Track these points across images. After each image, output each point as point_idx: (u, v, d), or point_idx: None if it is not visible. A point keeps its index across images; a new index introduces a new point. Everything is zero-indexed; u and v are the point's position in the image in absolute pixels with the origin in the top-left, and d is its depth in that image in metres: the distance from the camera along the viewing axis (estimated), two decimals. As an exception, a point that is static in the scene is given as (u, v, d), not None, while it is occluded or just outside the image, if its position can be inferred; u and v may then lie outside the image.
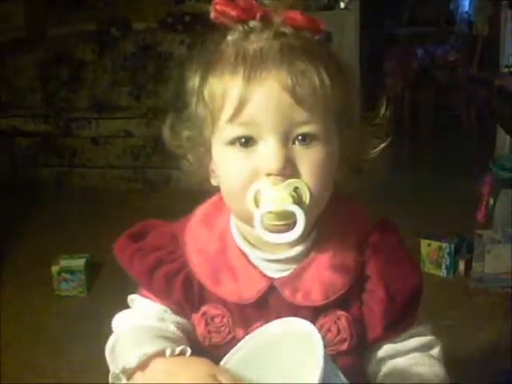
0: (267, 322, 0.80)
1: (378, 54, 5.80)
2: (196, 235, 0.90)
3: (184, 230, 0.90)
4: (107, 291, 2.77)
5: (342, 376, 0.70)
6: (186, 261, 0.88)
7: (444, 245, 2.82)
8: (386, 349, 0.87)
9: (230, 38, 0.80)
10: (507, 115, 3.24)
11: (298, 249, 0.84)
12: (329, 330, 0.83)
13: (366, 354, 0.88)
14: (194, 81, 0.83)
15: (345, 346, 0.84)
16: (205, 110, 0.81)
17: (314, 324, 0.80)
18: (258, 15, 0.79)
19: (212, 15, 0.81)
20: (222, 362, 0.77)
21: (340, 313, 0.84)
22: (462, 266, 2.82)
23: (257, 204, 0.77)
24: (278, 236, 0.76)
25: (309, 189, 0.77)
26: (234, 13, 0.79)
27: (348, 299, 0.84)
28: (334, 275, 0.83)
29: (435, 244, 2.83)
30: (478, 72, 5.06)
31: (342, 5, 4.85)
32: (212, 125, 0.80)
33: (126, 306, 0.96)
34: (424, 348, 0.87)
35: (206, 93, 0.80)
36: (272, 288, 0.84)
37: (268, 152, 0.76)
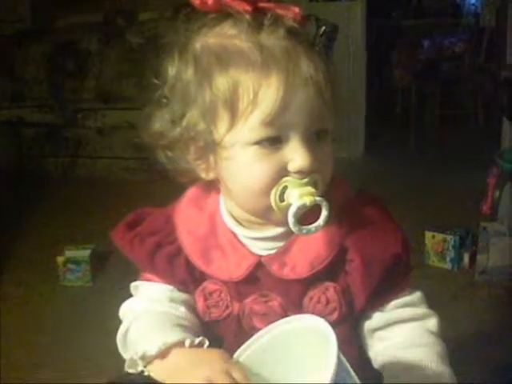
0: (260, 295, 0.86)
1: (385, 46, 5.78)
2: (186, 216, 0.92)
3: (174, 211, 0.93)
4: (112, 282, 2.78)
5: (353, 374, 0.71)
6: (182, 242, 0.90)
7: (449, 237, 2.82)
8: (377, 318, 0.88)
9: (235, 30, 0.79)
10: (513, 107, 3.23)
11: (283, 228, 0.86)
12: (318, 301, 0.86)
13: (359, 325, 0.89)
14: (184, 70, 0.81)
15: (335, 316, 0.86)
16: (222, 109, 0.79)
17: (304, 296, 0.86)
18: (269, 13, 0.79)
19: (210, 2, 0.80)
20: (235, 356, 0.79)
21: (328, 284, 0.86)
22: (466, 258, 2.81)
23: (281, 198, 0.79)
24: (308, 227, 0.79)
25: (323, 179, 0.81)
26: (245, 7, 0.79)
27: (334, 270, 0.86)
28: (317, 247, 0.85)
29: (440, 236, 2.83)
30: (485, 63, 5.04)
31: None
32: (231, 123, 0.78)
33: (131, 296, 0.97)
34: (418, 318, 0.88)
35: (221, 88, 0.78)
36: (260, 265, 0.87)
37: (297, 151, 0.78)
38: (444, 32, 6.06)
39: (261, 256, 0.87)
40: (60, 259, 2.83)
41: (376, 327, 0.89)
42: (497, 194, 3.09)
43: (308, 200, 0.77)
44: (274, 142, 0.78)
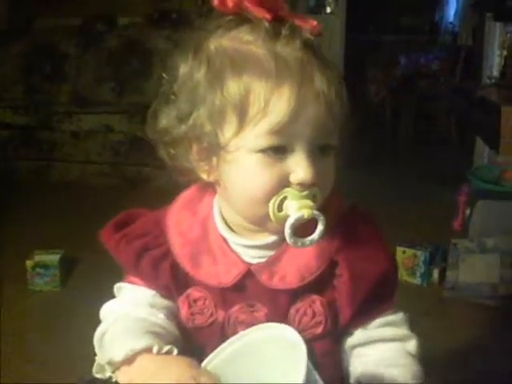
0: (246, 304, 0.86)
1: (362, 60, 5.83)
2: (179, 219, 0.91)
3: (167, 214, 0.92)
4: (81, 287, 2.76)
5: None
6: (169, 245, 0.90)
7: (419, 253, 2.84)
8: (359, 335, 0.88)
9: (252, 36, 0.79)
10: (487, 126, 3.27)
11: (275, 237, 0.86)
12: (304, 314, 0.86)
13: (341, 340, 0.89)
14: (196, 69, 0.81)
15: (320, 329, 0.86)
16: (231, 113, 0.78)
17: (291, 308, 0.85)
18: (287, 23, 0.79)
19: (231, 5, 0.79)
20: (203, 363, 0.79)
21: (315, 297, 0.86)
22: (436, 274, 2.84)
23: (279, 208, 0.79)
24: (304, 240, 0.79)
25: (322, 193, 0.81)
26: (265, 15, 0.78)
27: (322, 283, 0.86)
28: (308, 259, 0.85)
29: (410, 252, 2.85)
30: (461, 82, 5.11)
31: (329, 9, 4.87)
32: (238, 128, 0.78)
33: (100, 302, 0.96)
34: (399, 339, 0.88)
35: (231, 92, 0.78)
36: (249, 273, 0.86)
37: (300, 164, 0.78)
38: (421, 49, 6.13)
39: (250, 264, 0.87)
40: (29, 263, 2.80)
41: (357, 343, 0.89)
42: (468, 211, 3.13)
43: (306, 213, 0.77)
44: (278, 151, 0.78)
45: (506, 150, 3.06)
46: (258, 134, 0.77)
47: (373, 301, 0.86)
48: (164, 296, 0.91)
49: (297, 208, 0.78)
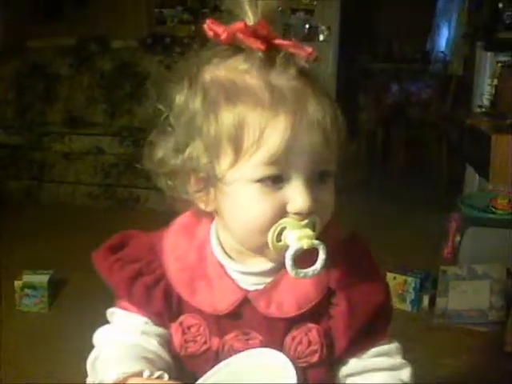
0: (242, 332, 0.85)
1: (354, 88, 5.87)
2: (175, 244, 0.90)
3: (163, 238, 0.91)
4: (69, 308, 2.74)
5: None
6: (164, 271, 0.88)
7: (409, 279, 2.84)
8: (353, 365, 0.88)
9: (247, 66, 0.78)
10: (477, 155, 3.30)
11: (272, 265, 0.85)
12: (300, 342, 0.85)
13: (335, 369, 0.89)
14: (192, 100, 0.80)
15: (315, 358, 0.85)
16: (226, 144, 0.77)
17: (286, 336, 0.84)
18: (282, 51, 0.78)
19: (224, 36, 0.79)
20: None
21: (311, 325, 0.85)
22: (426, 300, 2.84)
23: (278, 238, 0.79)
24: (305, 271, 0.78)
25: (321, 221, 0.81)
26: (259, 45, 0.77)
27: (319, 312, 0.86)
28: (306, 287, 0.84)
29: (401, 278, 2.85)
30: (451, 111, 5.14)
31: (322, 37, 4.92)
32: (234, 160, 0.77)
33: (88, 324, 0.95)
34: (393, 368, 0.88)
35: (226, 123, 0.77)
36: (246, 300, 0.85)
37: (297, 193, 0.77)
38: (412, 78, 6.18)
39: (247, 291, 0.86)
40: (17, 283, 2.78)
41: (351, 373, 0.88)
42: (458, 238, 3.14)
43: (305, 243, 0.77)
44: (275, 180, 0.77)
45: (495, 178, 3.08)
46: (253, 164, 0.76)
47: (368, 331, 0.86)
48: (156, 323, 0.90)
49: (296, 238, 0.77)
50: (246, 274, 0.86)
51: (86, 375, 0.86)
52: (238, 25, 0.78)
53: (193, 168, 0.81)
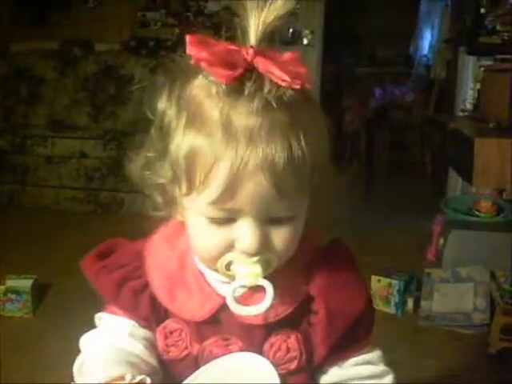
0: (221, 338, 0.85)
1: (337, 91, 5.89)
2: (157, 252, 0.91)
3: (146, 246, 0.92)
4: (53, 313, 2.71)
5: None
6: (149, 278, 0.89)
7: (394, 282, 2.85)
8: (334, 374, 0.87)
9: (213, 91, 0.75)
10: (460, 158, 3.31)
11: None
12: (279, 349, 0.85)
13: (316, 377, 0.89)
14: (167, 116, 0.79)
15: (294, 365, 0.85)
16: (181, 172, 0.76)
17: (265, 342, 0.85)
18: (251, 80, 0.73)
19: (193, 61, 0.75)
20: None
21: (290, 332, 0.85)
22: (410, 303, 2.84)
23: (227, 268, 0.79)
24: (248, 309, 0.78)
25: (278, 257, 0.79)
26: (221, 78, 0.73)
27: (298, 319, 0.86)
28: (283, 295, 0.83)
29: (385, 281, 2.86)
30: (434, 114, 5.18)
31: (305, 41, 4.93)
32: (188, 191, 0.76)
33: (71, 329, 0.95)
34: (376, 376, 0.88)
35: (181, 150, 0.76)
36: (225, 307, 0.84)
37: (245, 233, 0.76)
38: (395, 81, 6.22)
39: (225, 298, 0.84)
40: (1, 288, 2.75)
41: (333, 382, 0.88)
42: (441, 241, 3.15)
43: (248, 282, 0.77)
44: (224, 221, 0.77)
45: (478, 182, 3.10)
46: (202, 201, 0.75)
47: (348, 340, 0.86)
48: (144, 326, 0.91)
49: (240, 275, 0.78)
50: (225, 282, 0.85)
51: (69, 380, 0.86)
52: (203, 52, 0.74)
53: (159, 184, 0.82)
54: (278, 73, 0.72)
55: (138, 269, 0.90)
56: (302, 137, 0.74)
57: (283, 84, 0.72)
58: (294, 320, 0.85)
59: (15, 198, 4.41)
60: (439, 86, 5.30)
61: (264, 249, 0.77)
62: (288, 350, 0.85)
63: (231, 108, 0.73)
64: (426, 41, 6.56)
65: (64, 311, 2.66)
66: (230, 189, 0.73)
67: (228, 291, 0.78)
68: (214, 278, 0.86)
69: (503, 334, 2.44)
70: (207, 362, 0.85)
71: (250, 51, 0.74)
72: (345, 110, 5.77)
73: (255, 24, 0.75)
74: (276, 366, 0.83)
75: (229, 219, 0.76)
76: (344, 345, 0.85)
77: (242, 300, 0.80)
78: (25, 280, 2.82)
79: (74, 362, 0.91)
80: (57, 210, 4.27)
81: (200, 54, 0.74)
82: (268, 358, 0.84)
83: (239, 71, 0.73)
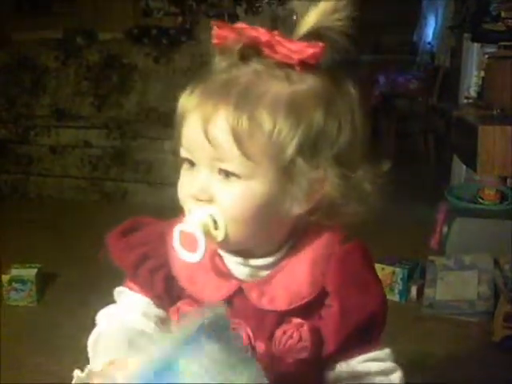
0: (232, 322, 0.84)
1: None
2: None
3: (170, 227, 0.92)
4: (58, 302, 2.73)
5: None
6: (168, 258, 0.91)
7: (397, 270, 2.85)
8: (342, 369, 0.88)
9: (223, 64, 0.83)
10: (464, 146, 3.31)
11: (269, 259, 0.87)
12: (291, 337, 0.86)
13: (325, 371, 0.89)
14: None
15: (305, 354, 0.86)
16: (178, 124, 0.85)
17: (277, 329, 0.86)
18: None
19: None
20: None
21: (303, 322, 0.86)
22: (414, 291, 2.85)
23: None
24: (186, 254, 0.82)
25: (226, 218, 0.81)
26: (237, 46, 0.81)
27: (312, 310, 0.86)
28: (300, 285, 0.85)
29: (389, 269, 2.86)
30: (438, 102, 5.16)
31: (334, 39, 4.91)
32: (177, 138, 0.85)
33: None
34: (383, 373, 0.88)
35: (180, 102, 0.85)
36: (240, 290, 0.87)
37: (195, 176, 0.83)
38: (399, 69, 6.19)
39: (242, 282, 0.87)
40: (5, 277, 2.77)
41: (342, 377, 0.88)
42: (445, 229, 3.15)
43: (184, 227, 0.81)
44: (190, 163, 0.84)
45: (482, 169, 3.09)
46: (181, 145, 0.84)
47: (358, 339, 0.86)
48: (158, 305, 0.93)
49: (185, 220, 0.83)
50: (243, 265, 0.88)
51: (72, 369, 0.87)
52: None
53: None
54: (291, 44, 0.81)
55: (159, 248, 0.92)
56: (272, 114, 0.79)
57: (277, 57, 0.80)
58: (307, 311, 0.86)
59: (19, 188, 4.42)
60: (443, 73, 5.28)
61: (205, 197, 0.81)
62: (300, 338, 0.85)
63: (222, 71, 0.82)
64: (430, 28, 6.52)
65: (68, 300, 2.67)
66: (193, 133, 0.81)
67: (174, 233, 0.82)
68: (233, 261, 0.88)
69: (507, 321, 2.44)
70: None
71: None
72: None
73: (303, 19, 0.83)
74: (286, 353, 0.85)
75: (192, 164, 0.83)
76: (354, 343, 0.86)
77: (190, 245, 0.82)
78: (29, 269, 2.84)
79: (77, 349, 0.94)
80: (61, 200, 4.28)
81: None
82: (279, 345, 0.85)
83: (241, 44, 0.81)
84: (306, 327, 0.86)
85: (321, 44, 0.82)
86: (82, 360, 0.88)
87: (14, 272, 2.80)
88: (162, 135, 3.88)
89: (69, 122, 4.39)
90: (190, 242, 0.81)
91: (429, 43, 6.52)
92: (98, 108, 4.51)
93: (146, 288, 0.93)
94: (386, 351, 0.90)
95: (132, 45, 4.59)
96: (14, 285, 2.77)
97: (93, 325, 0.95)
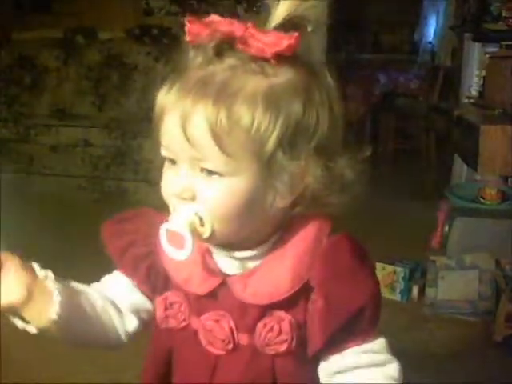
0: (215, 313, 0.88)
1: (341, 78, 5.87)
2: None
3: (163, 218, 0.92)
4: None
5: None
6: (156, 247, 0.90)
7: (399, 269, 2.85)
8: (333, 362, 0.87)
9: (199, 59, 0.81)
10: (465, 145, 3.30)
11: (254, 252, 0.87)
12: (271, 330, 0.86)
13: (318, 366, 0.88)
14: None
15: (284, 347, 0.86)
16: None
17: (259, 321, 0.86)
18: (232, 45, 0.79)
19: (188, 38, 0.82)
20: None
21: (285, 315, 0.86)
22: (415, 290, 2.85)
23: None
24: (173, 251, 0.82)
25: (211, 215, 0.81)
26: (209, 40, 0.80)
27: (296, 305, 0.86)
28: (282, 279, 0.85)
29: (390, 268, 2.86)
30: (439, 101, 5.15)
31: (309, 28, 4.91)
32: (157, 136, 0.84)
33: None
34: (376, 365, 0.87)
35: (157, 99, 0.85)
36: (225, 283, 0.87)
37: (175, 175, 0.82)
38: (400, 68, 6.19)
39: (227, 275, 0.88)
40: (4, 277, 2.76)
41: (335, 371, 0.87)
42: (446, 228, 3.15)
43: (169, 226, 0.81)
44: (172, 162, 0.83)
45: (483, 169, 3.09)
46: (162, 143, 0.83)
47: (348, 332, 0.84)
48: (141, 291, 0.96)
49: (171, 218, 0.82)
50: (230, 257, 0.88)
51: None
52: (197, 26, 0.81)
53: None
54: (268, 35, 0.79)
55: (148, 237, 0.92)
56: (250, 109, 0.77)
57: (251, 51, 0.78)
58: (291, 304, 0.86)
59: (20, 187, 4.42)
60: (444, 72, 5.28)
61: (189, 195, 0.81)
62: (280, 332, 0.85)
63: (198, 68, 0.80)
64: (431, 27, 6.53)
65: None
66: (172, 131, 0.80)
67: (161, 231, 0.82)
68: (220, 253, 0.89)
69: (508, 321, 2.44)
70: (203, 334, 0.89)
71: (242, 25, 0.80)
72: (349, 98, 5.76)
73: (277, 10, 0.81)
74: (266, 346, 0.85)
75: (174, 163, 0.82)
76: (343, 336, 0.85)
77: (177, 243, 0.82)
78: (29, 268, 2.83)
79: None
80: (61, 199, 4.28)
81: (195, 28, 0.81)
82: (259, 338, 0.86)
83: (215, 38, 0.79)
84: (286, 321, 0.85)
85: (296, 34, 0.80)
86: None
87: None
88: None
89: (69, 121, 4.39)
90: (177, 240, 0.81)
91: (430, 42, 6.52)
92: (98, 107, 4.51)
93: (130, 275, 0.95)
94: (381, 342, 0.87)
95: (133, 44, 4.59)
96: (15, 284, 2.76)
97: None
